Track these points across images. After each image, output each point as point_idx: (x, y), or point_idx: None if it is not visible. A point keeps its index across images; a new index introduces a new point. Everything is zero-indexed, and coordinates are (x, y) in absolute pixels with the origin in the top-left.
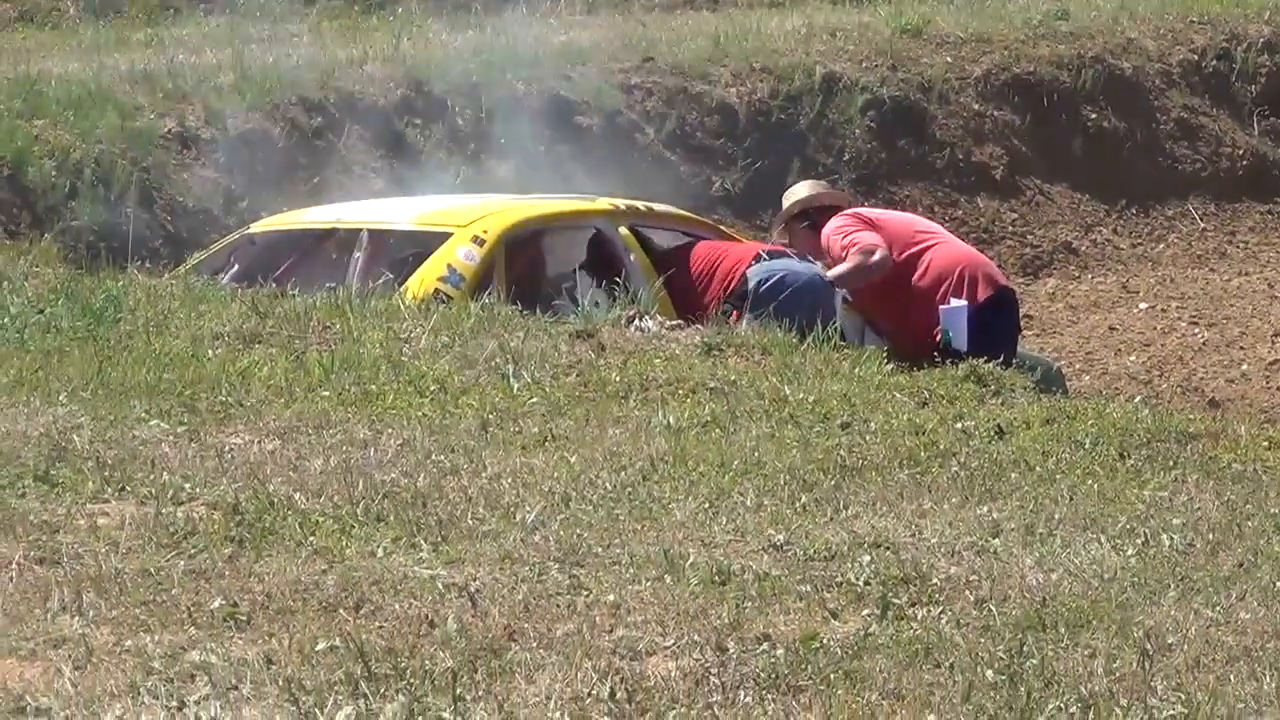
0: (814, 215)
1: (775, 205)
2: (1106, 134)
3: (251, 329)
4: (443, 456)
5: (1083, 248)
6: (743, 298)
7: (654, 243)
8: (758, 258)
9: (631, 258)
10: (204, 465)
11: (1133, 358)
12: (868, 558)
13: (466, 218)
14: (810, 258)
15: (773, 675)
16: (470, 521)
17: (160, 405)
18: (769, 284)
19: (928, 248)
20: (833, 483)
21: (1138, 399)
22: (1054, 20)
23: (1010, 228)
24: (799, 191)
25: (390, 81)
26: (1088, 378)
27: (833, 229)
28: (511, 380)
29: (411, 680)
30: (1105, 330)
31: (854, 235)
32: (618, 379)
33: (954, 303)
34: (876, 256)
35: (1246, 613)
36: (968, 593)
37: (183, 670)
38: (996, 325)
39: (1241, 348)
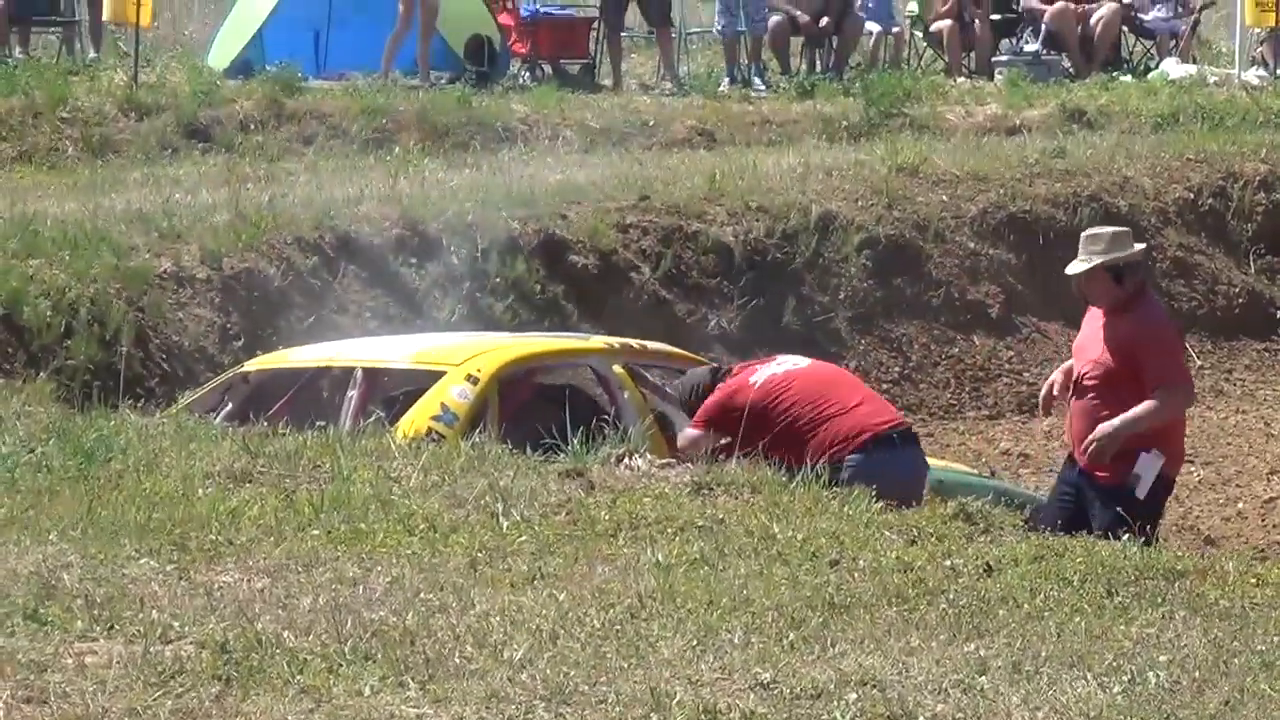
0: (1122, 270)
1: (771, 344)
2: None
3: (242, 468)
4: (431, 595)
5: None
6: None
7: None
8: (863, 448)
9: (625, 396)
10: (193, 604)
11: None
12: (854, 695)
13: (460, 356)
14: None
15: None
16: (458, 660)
17: (150, 544)
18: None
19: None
20: (820, 620)
21: (1126, 536)
22: (1050, 159)
23: (1006, 365)
24: (1109, 244)
25: (386, 220)
26: None
27: None
28: (501, 519)
29: None
30: None
31: None
32: (607, 517)
33: (1154, 454)
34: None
35: None
36: None
37: None
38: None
39: (1238, 485)
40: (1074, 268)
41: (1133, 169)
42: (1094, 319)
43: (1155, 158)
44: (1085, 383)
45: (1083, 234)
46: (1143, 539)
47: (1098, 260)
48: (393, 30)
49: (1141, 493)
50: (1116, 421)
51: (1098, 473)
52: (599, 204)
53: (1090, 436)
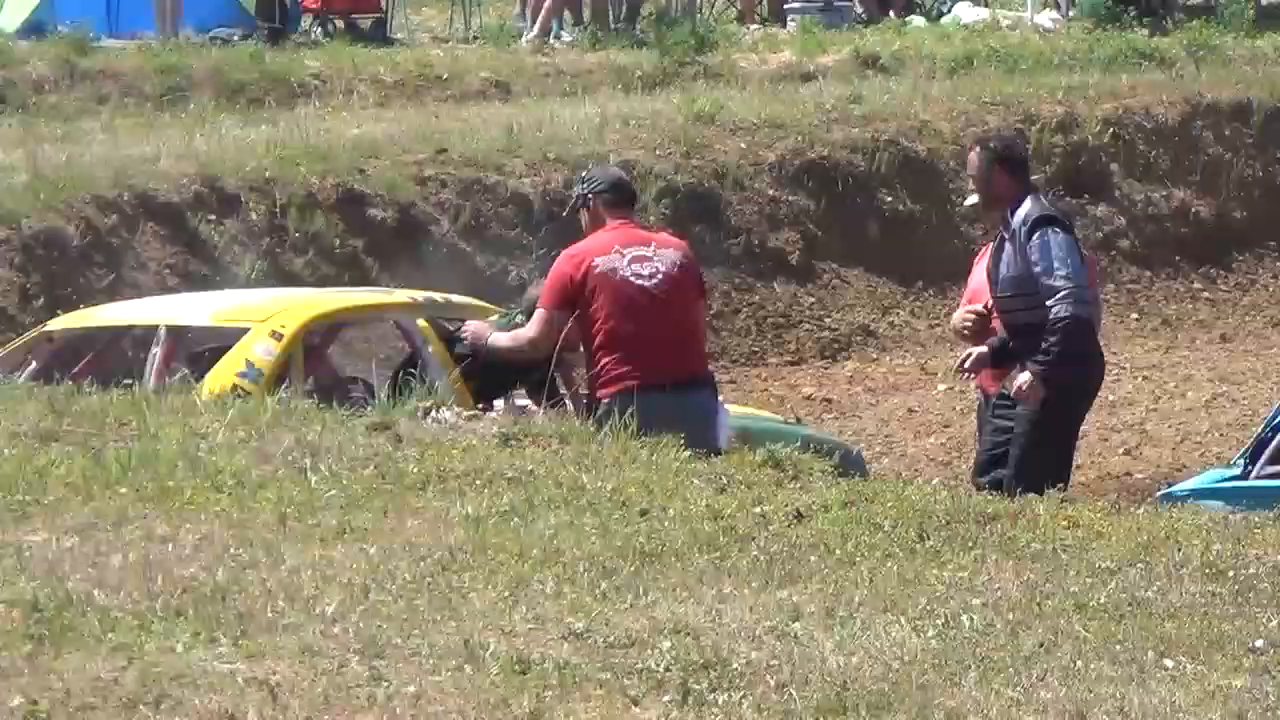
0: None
1: None
2: (901, 216)
3: (48, 427)
4: (241, 551)
5: (880, 330)
6: None
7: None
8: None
9: (429, 349)
10: (2, 564)
11: (932, 439)
12: (668, 644)
13: (263, 313)
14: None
15: None
16: (270, 615)
17: None
18: None
19: None
20: (632, 569)
21: (936, 480)
22: (847, 104)
23: (808, 312)
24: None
25: (184, 178)
26: (887, 460)
27: None
28: (309, 474)
29: None
30: (904, 412)
31: None
32: (415, 470)
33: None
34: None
35: (1047, 692)
36: (768, 677)
37: None
38: None
39: None
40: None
41: (929, 113)
42: (990, 253)
43: (952, 101)
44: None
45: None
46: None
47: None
48: None
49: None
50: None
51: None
52: (396, 158)
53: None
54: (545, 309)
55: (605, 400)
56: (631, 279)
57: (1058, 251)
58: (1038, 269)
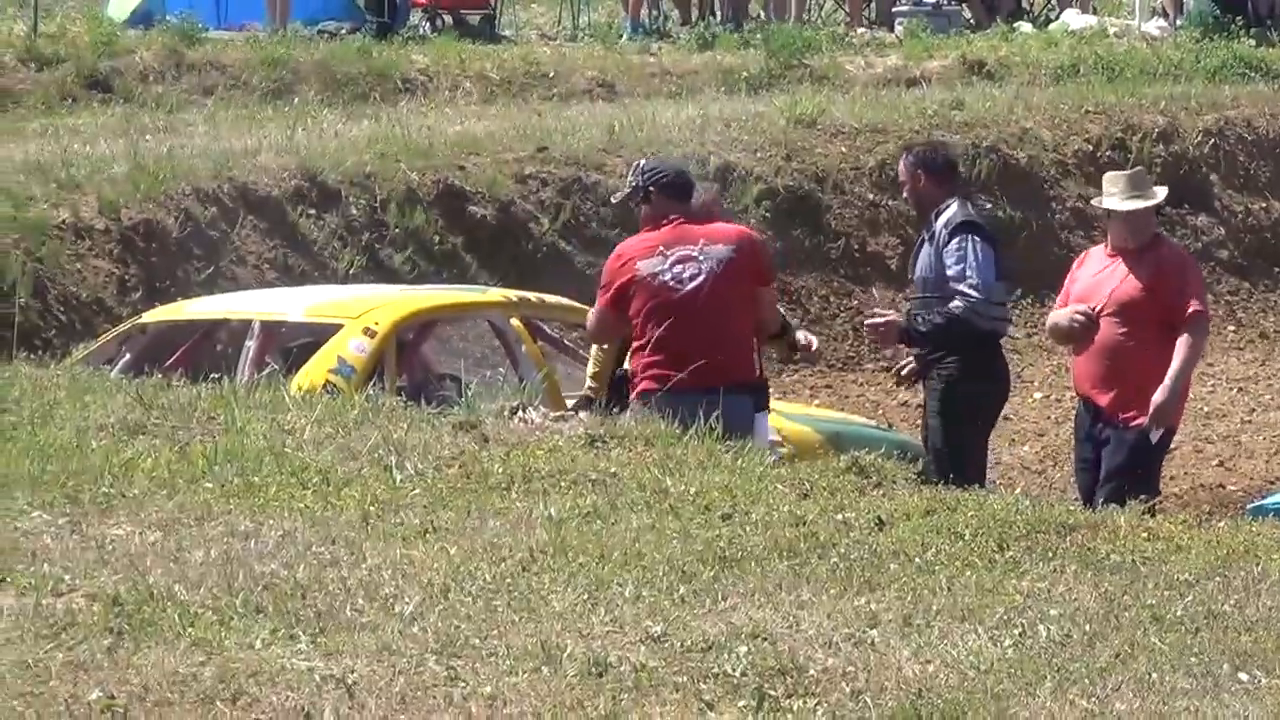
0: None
1: None
2: (1001, 223)
3: (136, 420)
4: (323, 548)
5: None
6: None
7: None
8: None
9: (522, 349)
10: (85, 556)
11: (1026, 448)
12: (744, 649)
13: (358, 309)
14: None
15: None
16: (349, 613)
17: (43, 497)
18: None
19: None
20: (712, 574)
21: (1018, 490)
22: (949, 110)
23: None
24: (1154, 184)
25: (284, 171)
26: None
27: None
28: (394, 472)
29: None
30: (1000, 420)
31: None
32: (500, 470)
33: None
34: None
35: (1122, 704)
36: (844, 684)
37: None
38: None
39: None
40: (1126, 204)
41: (1031, 120)
42: (1098, 261)
43: (1054, 109)
44: (1106, 321)
45: (1124, 174)
46: (1149, 484)
47: (1153, 201)
48: None
49: (1154, 438)
50: (1169, 383)
51: (1122, 415)
52: (497, 155)
53: (1152, 414)
54: (598, 306)
55: (636, 399)
56: (670, 283)
57: (973, 260)
58: (950, 273)
